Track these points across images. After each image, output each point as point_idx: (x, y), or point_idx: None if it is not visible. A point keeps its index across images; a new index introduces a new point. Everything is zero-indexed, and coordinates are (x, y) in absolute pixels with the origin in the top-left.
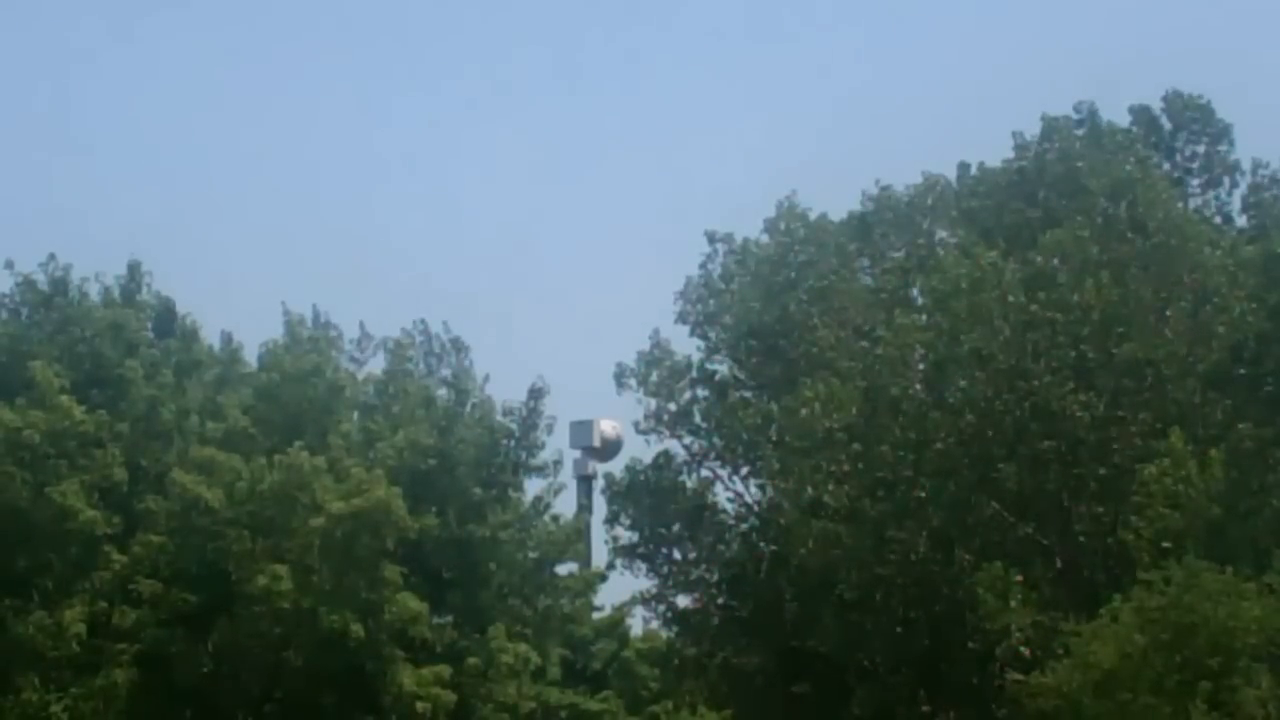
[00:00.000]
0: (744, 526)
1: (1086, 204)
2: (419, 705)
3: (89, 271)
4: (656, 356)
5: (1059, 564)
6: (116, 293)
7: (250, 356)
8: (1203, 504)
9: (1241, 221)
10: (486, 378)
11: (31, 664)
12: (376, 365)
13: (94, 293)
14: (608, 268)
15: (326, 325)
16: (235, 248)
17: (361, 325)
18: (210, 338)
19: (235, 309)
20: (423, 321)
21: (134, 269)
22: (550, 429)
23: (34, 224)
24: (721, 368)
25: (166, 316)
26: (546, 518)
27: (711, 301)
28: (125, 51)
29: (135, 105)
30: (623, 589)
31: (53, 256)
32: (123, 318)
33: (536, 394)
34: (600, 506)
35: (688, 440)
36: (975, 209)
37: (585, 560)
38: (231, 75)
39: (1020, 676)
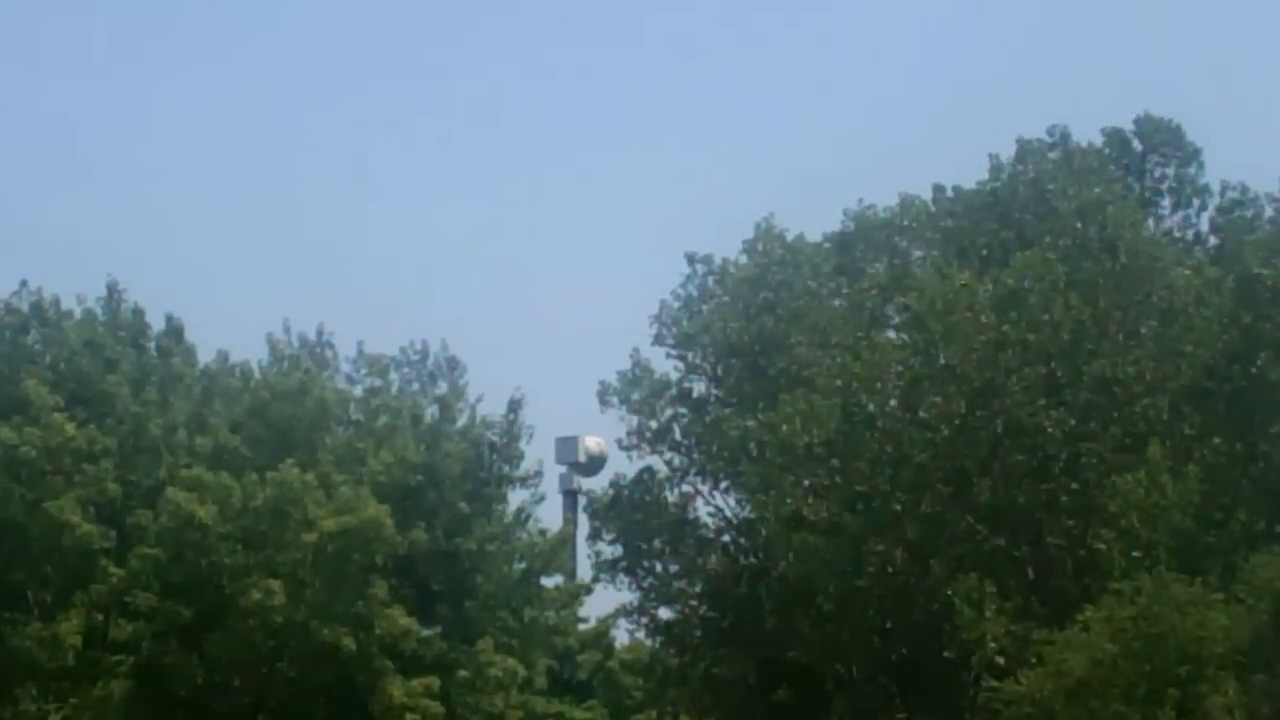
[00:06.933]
0: (724, 540)
1: (1057, 225)
2: (408, 717)
3: (75, 290)
4: (637, 375)
5: (1031, 575)
6: (98, 311)
7: (239, 374)
8: (1175, 515)
9: (1210, 242)
10: (480, 397)
11: (29, 675)
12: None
13: (79, 312)
14: (595, 286)
15: (321, 344)
16: (229, 265)
17: (359, 345)
18: (206, 356)
19: (232, 328)
20: (422, 341)
21: (112, 288)
22: (530, 438)
23: (33, 241)
24: (699, 385)
25: (173, 335)
26: (534, 531)
27: (686, 322)
28: (124, 71)
29: (130, 124)
30: (607, 602)
31: (24, 283)
32: (103, 337)
33: (515, 405)
34: (584, 523)
35: (669, 456)
36: (950, 229)
37: (571, 573)
38: (224, 93)
39: (995, 684)
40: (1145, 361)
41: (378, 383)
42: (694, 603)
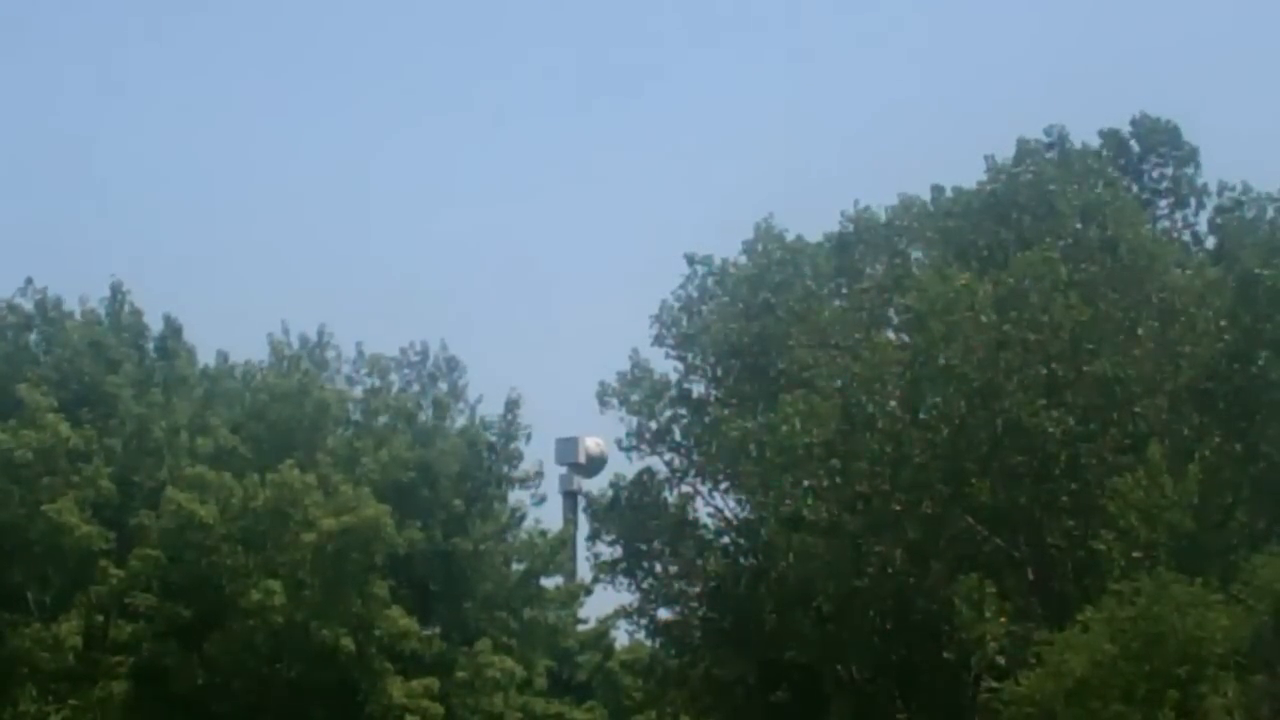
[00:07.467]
0: (724, 540)
1: (1057, 225)
2: (408, 717)
3: (76, 291)
4: (637, 376)
5: (1031, 576)
6: (103, 313)
7: (240, 375)
8: (1175, 515)
9: (1209, 243)
10: (480, 398)
11: (29, 676)
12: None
13: (79, 313)
14: (595, 286)
15: (322, 345)
16: (232, 267)
17: (359, 346)
18: (206, 357)
19: (232, 328)
20: (422, 342)
21: (116, 289)
22: (528, 438)
23: (34, 241)
24: (699, 386)
25: (172, 336)
26: (533, 531)
27: (686, 322)
28: (125, 72)
29: (131, 124)
30: (607, 602)
31: (30, 280)
32: (108, 338)
33: (512, 405)
34: (584, 524)
35: (669, 457)
36: (950, 230)
37: (570, 573)
38: (225, 93)
39: (995, 685)
40: (1145, 361)
41: (378, 383)
42: (694, 604)
